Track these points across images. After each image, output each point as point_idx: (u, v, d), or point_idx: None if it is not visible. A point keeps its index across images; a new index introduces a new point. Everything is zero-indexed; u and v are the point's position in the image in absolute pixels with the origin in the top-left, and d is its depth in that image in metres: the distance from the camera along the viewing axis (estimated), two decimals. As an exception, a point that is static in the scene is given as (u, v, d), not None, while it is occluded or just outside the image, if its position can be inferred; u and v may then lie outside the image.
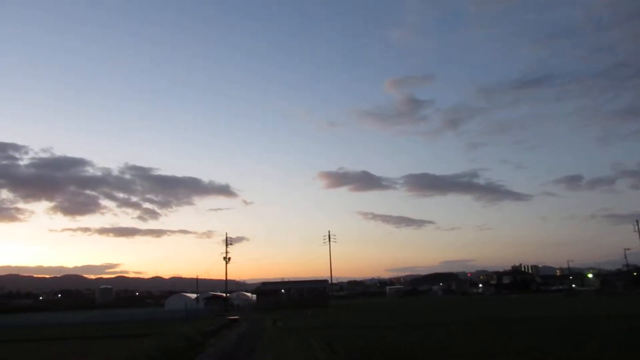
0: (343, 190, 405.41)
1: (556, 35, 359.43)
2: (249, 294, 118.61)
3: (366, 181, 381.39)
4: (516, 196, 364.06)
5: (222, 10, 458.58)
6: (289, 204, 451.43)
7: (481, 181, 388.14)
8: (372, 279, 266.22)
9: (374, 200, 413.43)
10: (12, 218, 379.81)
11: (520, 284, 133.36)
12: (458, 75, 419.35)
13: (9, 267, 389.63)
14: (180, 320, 51.99)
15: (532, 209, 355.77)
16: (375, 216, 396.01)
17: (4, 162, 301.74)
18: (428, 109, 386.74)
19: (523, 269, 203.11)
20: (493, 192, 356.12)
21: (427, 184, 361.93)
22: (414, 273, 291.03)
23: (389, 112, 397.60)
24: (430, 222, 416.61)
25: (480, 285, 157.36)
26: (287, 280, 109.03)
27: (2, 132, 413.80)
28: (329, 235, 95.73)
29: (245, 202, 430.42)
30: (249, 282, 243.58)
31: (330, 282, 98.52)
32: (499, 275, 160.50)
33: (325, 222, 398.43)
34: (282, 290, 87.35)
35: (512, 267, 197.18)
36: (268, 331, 34.20)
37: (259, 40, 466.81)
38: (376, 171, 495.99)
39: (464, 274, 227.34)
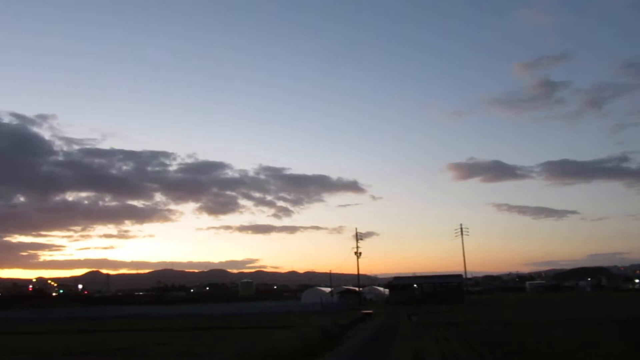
0: (474, 182, 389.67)
1: None
2: (381, 288, 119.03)
3: (499, 171, 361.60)
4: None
5: (347, 10, 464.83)
6: (418, 198, 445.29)
7: (632, 165, 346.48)
8: (510, 274, 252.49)
9: (508, 190, 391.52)
10: (165, 218, 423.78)
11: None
12: (598, 51, 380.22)
13: (164, 262, 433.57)
14: (316, 313, 53.71)
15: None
16: (510, 207, 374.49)
17: (157, 168, 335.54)
18: (565, 90, 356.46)
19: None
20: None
21: (567, 171, 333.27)
22: (557, 267, 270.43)
23: (521, 97, 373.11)
24: (573, 212, 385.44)
25: (637, 280, 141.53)
26: (419, 274, 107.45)
27: (155, 142, 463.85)
28: (461, 229, 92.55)
29: (373, 197, 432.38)
30: (381, 277, 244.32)
31: (464, 276, 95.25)
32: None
33: (457, 214, 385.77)
34: (415, 285, 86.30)
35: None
36: (403, 325, 34.08)
37: (383, 34, 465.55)
38: (509, 160, 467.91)
39: (616, 268, 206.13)
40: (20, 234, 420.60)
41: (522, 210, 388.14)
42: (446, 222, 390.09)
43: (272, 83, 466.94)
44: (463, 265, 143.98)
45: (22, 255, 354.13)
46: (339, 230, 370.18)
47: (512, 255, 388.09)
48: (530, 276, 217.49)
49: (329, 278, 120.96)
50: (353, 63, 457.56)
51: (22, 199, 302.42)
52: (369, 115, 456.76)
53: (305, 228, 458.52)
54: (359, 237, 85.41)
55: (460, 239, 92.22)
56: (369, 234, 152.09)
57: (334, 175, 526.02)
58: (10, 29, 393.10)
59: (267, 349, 18.33)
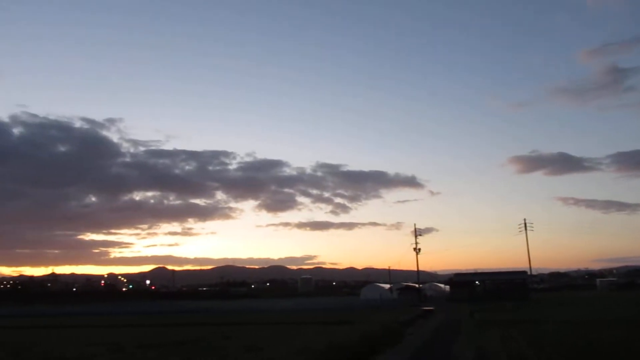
0: (537, 175, 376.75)
1: None
2: (441, 285, 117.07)
3: (564, 163, 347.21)
4: None
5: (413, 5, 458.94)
6: (479, 193, 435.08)
7: None
8: (578, 271, 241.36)
9: (575, 183, 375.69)
10: (226, 216, 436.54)
11: None
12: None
13: (226, 259, 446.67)
14: (375, 310, 53.51)
15: None
16: (577, 201, 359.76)
17: (218, 167, 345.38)
18: (635, 77, 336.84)
19: None
20: None
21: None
22: (630, 264, 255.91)
23: (587, 86, 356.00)
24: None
25: None
26: (480, 271, 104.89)
27: (215, 141, 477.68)
28: (525, 224, 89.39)
29: (432, 192, 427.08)
30: (441, 273, 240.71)
31: (529, 273, 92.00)
32: None
33: (520, 209, 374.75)
34: (476, 282, 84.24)
35: None
36: (466, 323, 33.38)
37: (440, 23, 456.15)
38: (575, 152, 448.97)
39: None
40: (92, 232, 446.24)
41: (591, 204, 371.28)
42: (508, 217, 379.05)
43: (328, 80, 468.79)
44: (527, 261, 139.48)
45: (94, 253, 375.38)
46: (397, 226, 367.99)
47: (581, 252, 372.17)
48: (601, 273, 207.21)
49: (388, 274, 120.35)
50: (409, 55, 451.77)
51: (93, 199, 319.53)
52: (427, 109, 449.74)
53: (363, 224, 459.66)
54: (417, 233, 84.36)
55: (524, 234, 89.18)
56: (428, 230, 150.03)
57: (391, 170, 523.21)
58: (78, 39, 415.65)
59: (328, 344, 18.46)
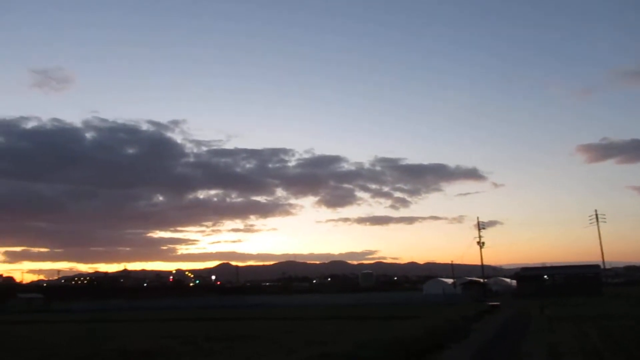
0: (609, 164, 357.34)
1: None
2: (507, 280, 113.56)
3: (638, 150, 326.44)
4: None
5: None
6: (546, 184, 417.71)
7: None
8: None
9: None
10: (287, 212, 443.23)
11: None
12: None
13: (287, 254, 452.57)
14: (439, 305, 52.68)
15: None
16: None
17: (277, 165, 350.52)
18: None
19: None
20: None
21: None
22: None
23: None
24: None
25: None
26: (549, 265, 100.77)
27: (274, 139, 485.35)
28: (596, 215, 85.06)
29: (495, 184, 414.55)
30: (506, 267, 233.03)
31: (602, 266, 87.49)
32: None
33: (590, 200, 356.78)
34: (545, 276, 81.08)
35: None
36: (535, 318, 32.27)
37: (498, 10, 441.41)
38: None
39: None
40: (161, 230, 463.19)
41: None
42: (578, 208, 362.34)
43: (383, 74, 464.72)
44: (599, 254, 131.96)
45: (163, 250, 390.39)
46: (459, 219, 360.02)
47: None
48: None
49: (451, 269, 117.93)
50: (468, 45, 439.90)
51: (160, 198, 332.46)
52: (487, 99, 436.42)
53: (424, 218, 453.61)
54: (481, 226, 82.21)
55: (596, 226, 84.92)
56: (492, 223, 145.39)
57: (451, 163, 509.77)
58: (142, 44, 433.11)
59: (391, 339, 18.39)
